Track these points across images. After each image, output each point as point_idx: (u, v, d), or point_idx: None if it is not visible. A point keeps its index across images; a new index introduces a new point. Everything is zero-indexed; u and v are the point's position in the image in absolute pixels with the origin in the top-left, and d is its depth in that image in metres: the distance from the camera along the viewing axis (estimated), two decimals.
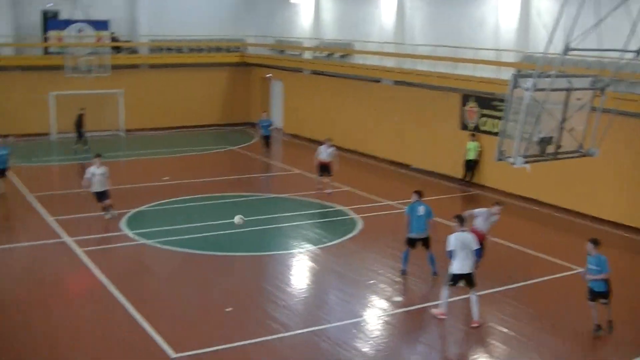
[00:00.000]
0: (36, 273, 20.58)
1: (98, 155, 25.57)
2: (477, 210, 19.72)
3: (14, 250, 22.55)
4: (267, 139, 37.89)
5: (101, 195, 25.07)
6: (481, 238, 18.98)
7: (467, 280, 16.83)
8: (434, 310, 17.14)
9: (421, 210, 19.86)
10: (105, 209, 25.21)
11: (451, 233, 16.88)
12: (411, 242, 19.96)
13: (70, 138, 40.56)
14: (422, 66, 34.02)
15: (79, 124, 38.93)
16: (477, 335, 16.25)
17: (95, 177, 24.89)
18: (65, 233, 23.62)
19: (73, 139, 39.20)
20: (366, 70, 37.38)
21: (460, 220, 16.97)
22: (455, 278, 16.78)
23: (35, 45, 44.09)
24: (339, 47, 40.88)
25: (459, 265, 16.66)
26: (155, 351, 15.28)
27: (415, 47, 34.56)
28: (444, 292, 16.93)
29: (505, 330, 16.62)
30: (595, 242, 16.03)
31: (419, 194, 20.24)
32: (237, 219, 20.79)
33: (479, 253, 18.39)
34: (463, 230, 16.83)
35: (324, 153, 29.06)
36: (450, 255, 16.68)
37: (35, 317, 17.27)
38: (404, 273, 20.03)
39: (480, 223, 19.54)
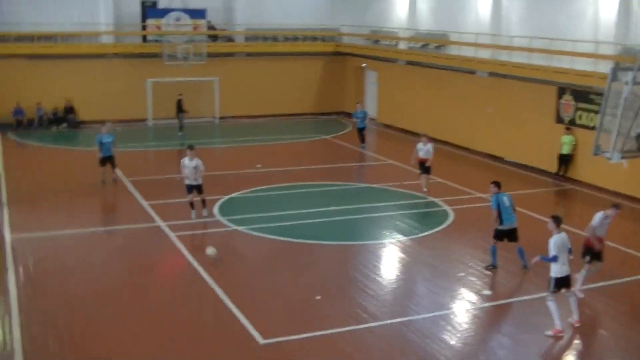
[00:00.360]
0: (132, 255, 21.23)
1: (190, 147, 24.02)
2: (594, 221, 18.77)
3: (112, 233, 23.20)
4: (361, 131, 37.23)
5: (192, 189, 23.84)
6: (600, 243, 18.31)
7: (567, 282, 16.16)
8: (549, 332, 15.92)
9: (506, 201, 19.68)
10: (192, 205, 23.94)
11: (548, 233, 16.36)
12: (501, 235, 19.76)
13: (165, 124, 41.44)
14: (518, 58, 33.61)
15: (179, 108, 39.78)
16: (567, 332, 16.08)
17: (186, 169, 23.69)
18: (159, 217, 24.17)
19: (169, 126, 39.99)
20: (461, 61, 37.13)
21: (558, 221, 16.21)
22: (559, 283, 15.99)
23: (134, 33, 45.04)
24: (434, 38, 40.67)
25: (562, 268, 15.96)
26: (244, 337, 15.54)
27: (511, 39, 34.18)
28: (551, 304, 15.95)
29: (597, 328, 16.43)
30: None
31: (499, 185, 19.89)
32: (210, 251, 20.32)
33: (598, 258, 17.98)
34: (560, 232, 16.10)
35: (422, 150, 27.77)
36: (554, 259, 15.84)
37: (132, 296, 17.79)
38: (494, 267, 19.89)
39: (598, 229, 18.71)
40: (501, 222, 19.69)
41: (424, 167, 27.58)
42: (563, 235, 16.06)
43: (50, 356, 14.69)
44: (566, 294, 16.26)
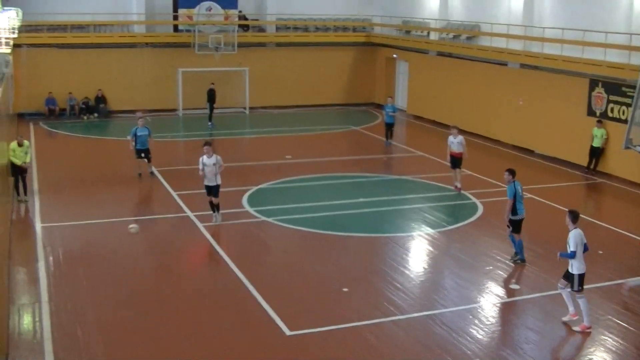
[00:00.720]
0: (160, 245, 21.37)
1: (207, 144, 22.71)
2: None
3: (141, 223, 23.29)
4: (389, 127, 36.33)
5: (210, 190, 22.64)
6: None
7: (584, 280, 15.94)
8: (577, 328, 15.90)
9: (520, 190, 19.61)
10: (213, 207, 22.79)
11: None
12: (518, 225, 19.63)
13: (195, 114, 41.70)
14: (550, 49, 33.39)
15: (212, 98, 39.96)
16: (594, 328, 15.99)
17: (206, 168, 22.37)
18: (187, 208, 24.29)
19: (199, 116, 40.22)
20: (492, 52, 36.95)
21: (575, 216, 16.09)
22: (583, 279, 15.75)
23: (165, 22, 45.22)
24: (465, 29, 40.48)
25: (582, 264, 15.79)
26: (271, 328, 15.61)
27: (543, 30, 33.94)
28: (582, 301, 15.83)
29: (622, 323, 16.32)
30: None
31: (514, 172, 19.71)
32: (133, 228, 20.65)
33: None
34: (576, 227, 15.93)
35: (454, 143, 26.93)
36: (573, 255, 15.67)
37: (159, 286, 17.92)
38: (524, 261, 19.82)
39: None
40: (516, 212, 19.58)
41: (455, 161, 26.97)
42: (580, 231, 15.92)
43: (79, 344, 14.81)
44: (579, 295, 15.98)
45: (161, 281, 18.46)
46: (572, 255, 15.67)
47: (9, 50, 29.60)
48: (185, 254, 20.82)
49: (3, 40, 26.54)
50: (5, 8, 28.83)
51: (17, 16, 33.26)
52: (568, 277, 15.92)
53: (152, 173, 28.77)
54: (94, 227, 22.80)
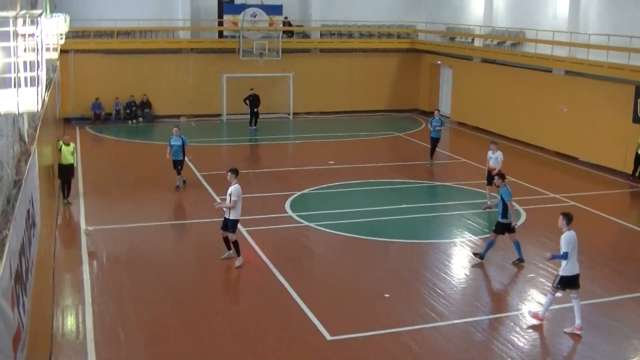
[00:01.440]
0: (203, 249, 21.47)
1: (232, 171, 19.81)
2: None
3: (184, 226, 23.53)
4: (435, 142, 33.00)
5: (224, 224, 19.70)
6: None
7: (576, 282, 16.10)
8: (532, 311, 16.76)
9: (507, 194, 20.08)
10: (228, 244, 19.97)
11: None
12: (503, 229, 20.13)
13: (239, 120, 42.04)
14: (595, 56, 33.13)
15: (255, 103, 40.20)
16: (636, 337, 15.85)
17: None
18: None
19: (243, 121, 40.57)
20: (537, 59, 36.72)
21: (569, 218, 16.18)
22: (565, 281, 15.96)
23: (210, 29, 45.54)
24: (510, 36, 40.30)
25: (573, 267, 15.96)
26: (312, 332, 15.66)
27: (589, 37, 33.68)
28: (550, 297, 16.37)
29: None
30: None
31: (504, 176, 20.45)
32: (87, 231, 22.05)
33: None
34: (570, 229, 16.05)
35: (492, 159, 25.98)
36: (565, 256, 15.80)
37: (201, 291, 18.03)
38: (522, 261, 20.21)
39: None
40: (506, 216, 19.94)
41: (491, 177, 25.45)
42: (573, 233, 16.03)
43: (121, 346, 14.98)
44: (571, 295, 16.21)
45: (203, 283, 18.56)
46: (565, 256, 15.83)
47: (56, 56, 29.95)
48: (229, 259, 20.92)
49: (51, 46, 26.79)
50: (53, 14, 29.22)
51: (65, 22, 33.69)
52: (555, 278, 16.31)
53: (177, 187, 27.53)
54: (137, 230, 23.04)
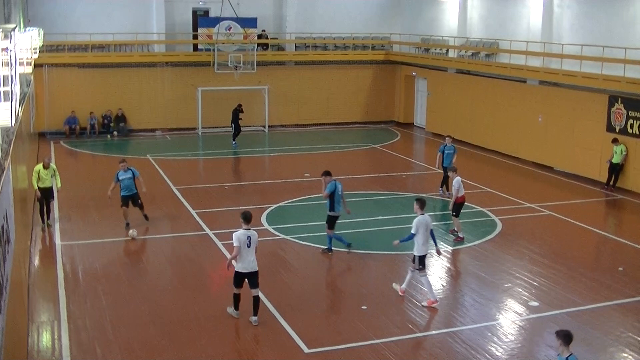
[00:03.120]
0: (180, 263, 21.41)
1: (247, 219, 16.67)
2: None
3: (161, 241, 23.40)
4: (447, 171, 28.11)
5: (247, 278, 16.85)
6: None
7: (425, 261, 18.24)
8: (424, 303, 18.04)
9: (340, 189, 21.76)
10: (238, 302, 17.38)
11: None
12: (333, 221, 21.71)
13: (215, 133, 41.96)
14: (569, 66, 33.33)
15: (238, 117, 40.00)
16: (615, 346, 15.91)
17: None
18: (207, 226, 24.37)
19: (219, 134, 40.44)
20: (512, 70, 36.89)
21: (422, 203, 18.13)
22: (423, 260, 18.06)
23: (185, 42, 45.49)
24: (484, 46, 40.50)
25: (423, 247, 17.99)
26: (290, 345, 15.63)
27: (562, 47, 33.89)
28: (424, 279, 18.15)
29: None
30: None
31: (330, 173, 21.71)
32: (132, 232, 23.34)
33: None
34: (423, 214, 17.97)
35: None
36: (412, 237, 17.86)
37: (180, 305, 17.92)
38: (330, 251, 21.76)
39: None
40: (333, 209, 21.38)
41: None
42: (426, 217, 18.05)
43: None
44: (420, 274, 18.12)
45: (181, 300, 18.46)
46: (411, 236, 17.90)
47: (30, 70, 29.79)
48: (205, 271, 20.84)
49: (25, 60, 26.59)
50: (27, 28, 29.08)
51: (39, 36, 33.53)
52: (413, 259, 18.17)
53: (146, 217, 25.10)
54: (113, 245, 22.92)
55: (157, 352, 15.42)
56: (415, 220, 17.86)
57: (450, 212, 23.65)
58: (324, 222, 21.78)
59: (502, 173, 33.78)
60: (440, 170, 29.32)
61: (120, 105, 42.82)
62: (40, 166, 24.10)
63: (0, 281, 10.46)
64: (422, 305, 17.91)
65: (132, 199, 24.52)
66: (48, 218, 24.54)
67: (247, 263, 16.44)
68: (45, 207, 24.40)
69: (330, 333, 16.36)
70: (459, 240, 23.19)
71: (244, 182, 31.94)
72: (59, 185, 24.94)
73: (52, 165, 24.60)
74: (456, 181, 23.23)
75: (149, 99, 43.62)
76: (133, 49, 43.89)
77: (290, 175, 32.50)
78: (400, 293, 18.51)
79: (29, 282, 19.04)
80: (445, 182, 28.62)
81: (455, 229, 23.70)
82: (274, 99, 45.32)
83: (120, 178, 24.35)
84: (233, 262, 16.67)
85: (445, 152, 28.53)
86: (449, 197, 26.77)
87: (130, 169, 24.56)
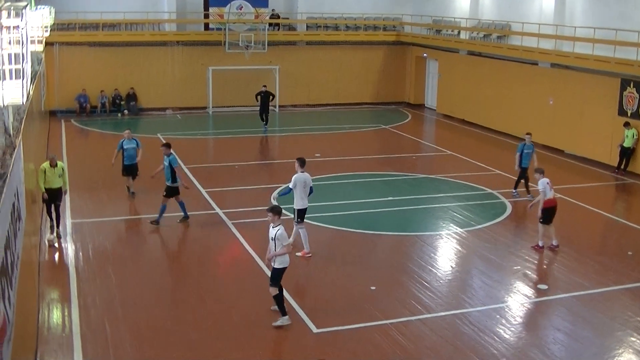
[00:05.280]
0: (190, 242, 21.50)
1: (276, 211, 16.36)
2: None
3: (171, 220, 23.40)
4: (525, 172, 26.34)
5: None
6: None
7: (304, 215, 20.01)
8: (299, 254, 19.72)
9: (176, 161, 22.71)
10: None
11: None
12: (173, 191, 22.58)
13: (225, 112, 41.94)
14: (581, 49, 33.19)
15: (267, 100, 39.59)
16: (621, 330, 15.92)
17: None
18: (216, 205, 24.41)
19: (229, 114, 40.40)
20: (523, 52, 36.75)
21: (302, 162, 19.92)
22: (302, 213, 19.82)
23: (196, 21, 45.44)
24: (496, 28, 40.34)
25: (303, 202, 19.77)
26: (298, 325, 15.64)
27: (575, 29, 33.72)
28: (302, 231, 19.91)
29: None
30: None
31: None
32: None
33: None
34: (303, 172, 19.75)
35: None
36: (288, 191, 19.82)
37: (189, 283, 17.99)
38: (157, 223, 22.42)
39: None
40: (175, 180, 22.30)
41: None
42: (306, 174, 19.89)
43: (107, 339, 14.91)
44: (299, 227, 19.88)
45: (190, 279, 18.50)
46: (288, 190, 19.83)
47: (41, 49, 29.80)
48: (215, 251, 20.88)
49: (36, 38, 26.51)
50: (38, 6, 29.06)
51: (50, 14, 33.54)
52: (294, 212, 19.92)
53: (133, 193, 25.71)
54: (123, 224, 23.00)
55: (166, 328, 15.45)
56: (294, 177, 19.67)
57: (539, 219, 20.94)
58: (333, 202, 21.71)
59: (511, 155, 33.55)
60: (517, 170, 26.51)
61: (130, 84, 42.85)
62: (46, 164, 20.71)
63: (11, 258, 10.50)
64: (296, 255, 19.47)
65: (131, 168, 25.64)
66: (58, 226, 21.10)
67: (286, 257, 15.76)
68: (54, 213, 20.99)
69: (338, 313, 16.38)
70: (538, 250, 20.82)
71: (254, 162, 31.92)
72: (66, 186, 21.59)
73: (60, 163, 21.18)
74: (541, 183, 20.85)
75: (159, 78, 43.62)
76: (144, 27, 43.91)
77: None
78: (302, 254, 19.89)
79: (39, 259, 19.11)
80: (525, 183, 26.29)
81: (540, 240, 20.94)
82: (284, 79, 45.26)
83: (125, 147, 25.46)
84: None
85: (524, 151, 26.34)
86: (529, 199, 24.62)
87: (134, 139, 25.77)
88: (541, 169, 21.43)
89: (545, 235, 20.81)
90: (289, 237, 17.06)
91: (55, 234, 20.81)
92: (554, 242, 20.83)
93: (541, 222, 20.73)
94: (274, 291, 15.57)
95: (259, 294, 17.33)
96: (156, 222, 22.35)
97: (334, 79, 47.22)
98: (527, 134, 27.34)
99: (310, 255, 19.86)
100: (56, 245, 20.56)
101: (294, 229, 20.22)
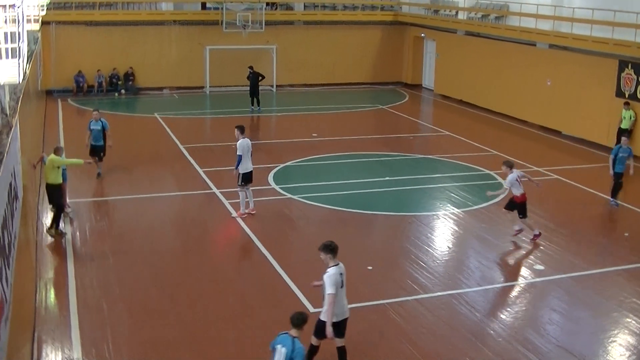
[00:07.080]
0: (187, 222, 21.44)
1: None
2: None
3: (167, 199, 23.43)
4: (619, 178, 23.67)
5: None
6: None
7: (250, 178, 21.22)
8: (234, 214, 21.22)
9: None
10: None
11: None
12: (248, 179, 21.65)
13: (222, 92, 41.83)
14: (579, 30, 33.10)
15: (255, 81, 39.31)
16: (618, 311, 15.98)
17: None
18: (213, 184, 24.42)
19: (226, 93, 40.27)
20: (521, 33, 36.66)
21: (242, 129, 21.04)
22: (246, 177, 20.98)
23: (193, 0, 45.20)
24: (494, 9, 40.23)
25: (247, 166, 20.96)
26: (295, 305, 15.63)
27: (573, 10, 33.64)
28: (241, 194, 21.18)
29: None
30: None
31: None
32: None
33: None
34: (244, 138, 20.85)
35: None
36: (240, 159, 20.69)
37: (186, 264, 18.01)
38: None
39: None
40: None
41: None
42: (247, 140, 21.04)
43: (105, 319, 14.93)
44: (246, 187, 21.15)
45: (188, 259, 18.52)
46: (240, 158, 20.79)
47: (38, 27, 29.71)
48: (212, 231, 20.91)
49: (32, 17, 26.40)
50: None
51: None
52: (237, 176, 21.05)
53: (99, 174, 25.39)
54: (120, 203, 23.00)
55: (162, 309, 15.48)
56: (238, 144, 20.76)
57: (518, 216, 20.17)
58: (330, 182, 21.73)
59: (509, 136, 33.71)
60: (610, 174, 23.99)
61: (127, 63, 42.71)
62: (53, 155, 19.71)
63: (8, 238, 10.51)
64: (232, 217, 21.14)
65: (96, 149, 25.27)
66: (57, 226, 19.64)
67: (342, 307, 13.07)
68: (56, 211, 19.75)
69: None
70: (537, 237, 20.03)
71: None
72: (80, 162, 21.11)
73: (53, 156, 19.73)
74: (510, 179, 20.03)
75: (156, 58, 43.47)
76: (140, 7, 43.68)
77: (297, 135, 32.47)
78: (237, 215, 21.26)
79: (36, 239, 19.11)
80: (618, 191, 23.78)
81: (533, 230, 20.23)
82: (281, 59, 45.13)
83: (91, 128, 25.33)
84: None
85: (620, 154, 23.51)
86: (614, 205, 23.40)
87: (101, 121, 25.43)
88: (510, 162, 20.61)
89: (528, 225, 20.33)
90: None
91: (55, 231, 19.42)
92: (517, 227, 20.44)
93: (521, 218, 20.17)
94: (339, 342, 13.00)
95: (255, 274, 17.39)
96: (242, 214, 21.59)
97: (331, 59, 47.08)
98: (624, 137, 25.16)
99: (245, 216, 21.19)
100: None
101: (240, 195, 21.33)
